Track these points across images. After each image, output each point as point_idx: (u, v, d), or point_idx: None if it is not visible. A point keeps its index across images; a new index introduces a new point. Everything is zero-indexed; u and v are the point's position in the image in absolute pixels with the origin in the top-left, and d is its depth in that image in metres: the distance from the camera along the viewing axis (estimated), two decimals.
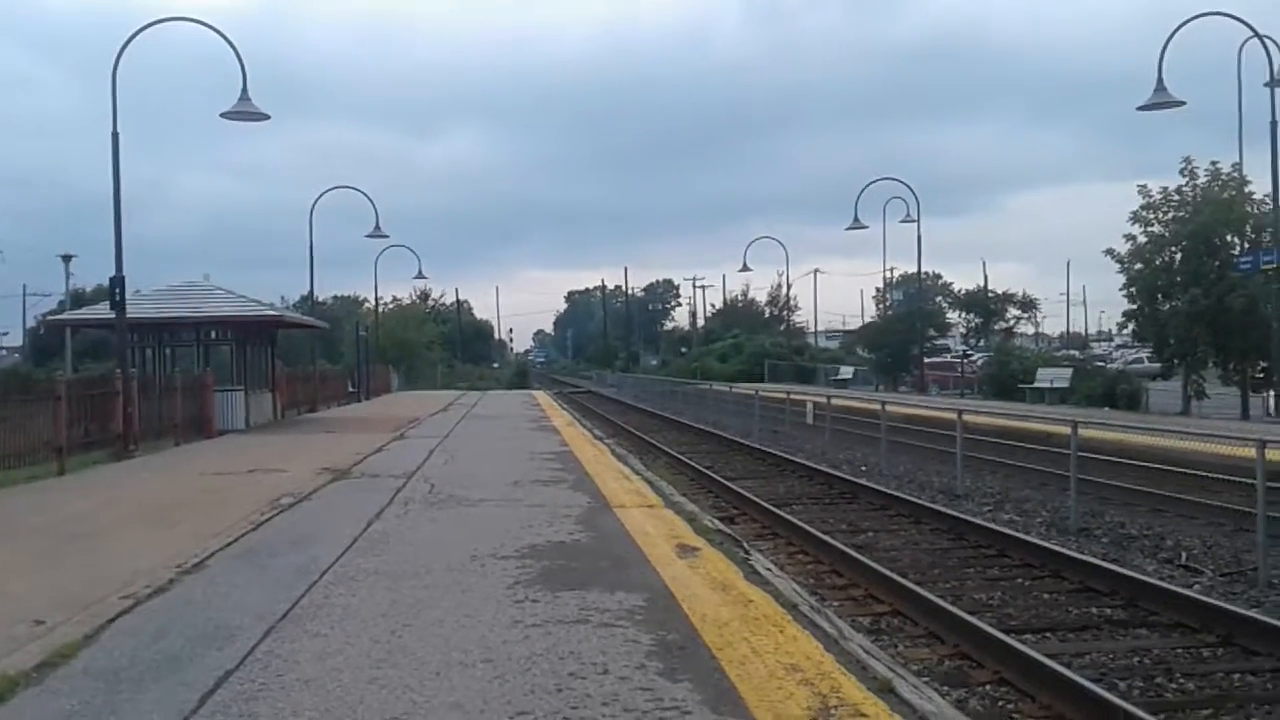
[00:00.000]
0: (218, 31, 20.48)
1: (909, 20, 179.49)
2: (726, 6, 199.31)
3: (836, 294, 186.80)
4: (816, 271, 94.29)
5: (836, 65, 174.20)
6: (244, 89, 20.45)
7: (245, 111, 20.81)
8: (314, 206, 39.96)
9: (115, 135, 18.44)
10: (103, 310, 20.97)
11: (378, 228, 41.71)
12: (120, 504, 11.70)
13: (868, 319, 72.19)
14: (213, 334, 24.99)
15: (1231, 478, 13.60)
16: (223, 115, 20.91)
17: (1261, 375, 28.00)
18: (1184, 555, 11.13)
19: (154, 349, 24.50)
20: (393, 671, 4.85)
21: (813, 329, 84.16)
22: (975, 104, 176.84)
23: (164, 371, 23.51)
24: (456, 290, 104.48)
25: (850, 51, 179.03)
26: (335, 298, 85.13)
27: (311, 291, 44.64)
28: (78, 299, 54.24)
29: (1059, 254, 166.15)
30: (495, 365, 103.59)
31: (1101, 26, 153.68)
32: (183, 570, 7.34)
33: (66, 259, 57.03)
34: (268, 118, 21.25)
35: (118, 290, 18.64)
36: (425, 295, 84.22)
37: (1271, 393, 26.99)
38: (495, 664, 4.95)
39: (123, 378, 17.76)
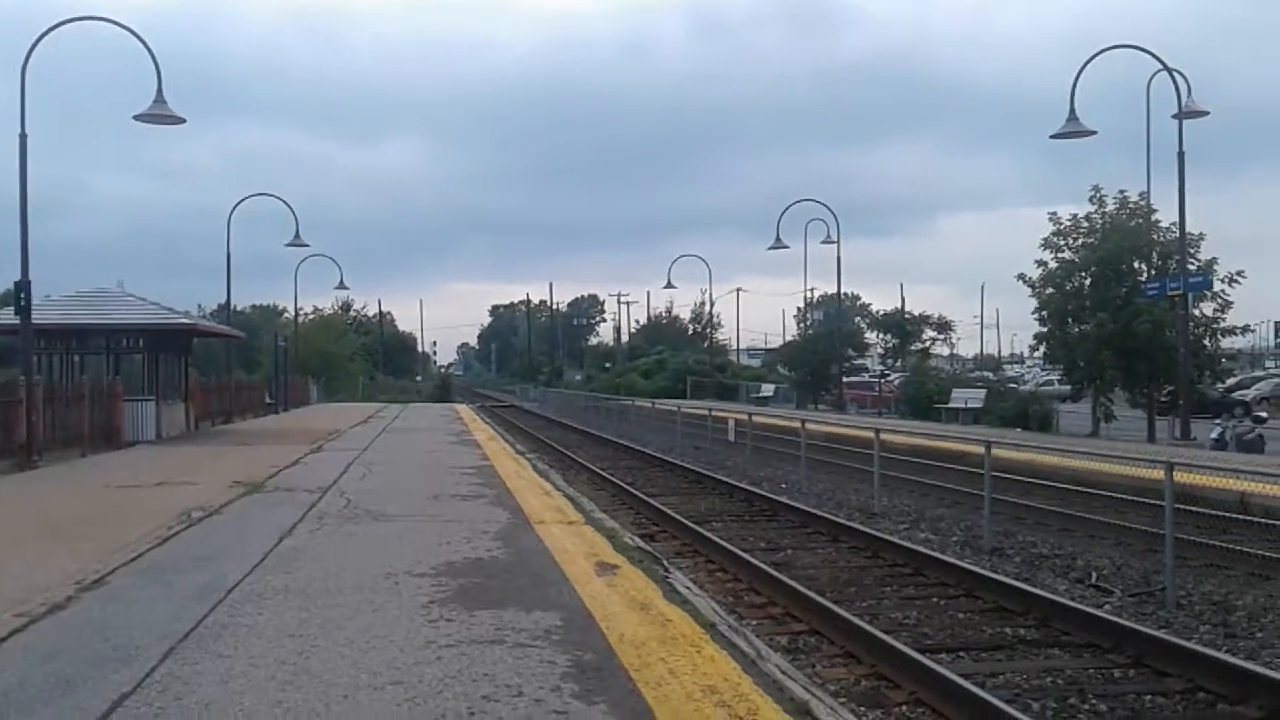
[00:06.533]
0: (132, 32, 20.06)
1: (850, 41, 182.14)
2: (668, 23, 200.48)
3: (759, 312, 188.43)
4: (740, 290, 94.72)
5: (775, 84, 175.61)
6: (159, 91, 20.04)
7: (160, 114, 20.38)
8: (233, 213, 39.36)
9: (23, 136, 17.91)
10: (7, 316, 20.27)
11: (298, 236, 41.22)
12: (20, 517, 11.29)
13: (789, 338, 72.88)
14: (124, 342, 24.31)
15: (1140, 499, 13.94)
16: (136, 118, 20.44)
17: (1167, 399, 28.81)
18: (1094, 575, 11.32)
19: (61, 356, 23.79)
20: (298, 694, 4.69)
21: (735, 347, 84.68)
22: (910, 126, 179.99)
23: (72, 380, 22.80)
24: (379, 301, 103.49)
25: (790, 70, 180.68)
26: (254, 307, 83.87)
27: (228, 300, 43.82)
28: None
29: (981, 277, 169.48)
30: (418, 378, 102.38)
31: (1039, 54, 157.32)
32: (82, 587, 7.07)
33: None
34: (183, 121, 20.84)
35: (23, 295, 18.04)
36: (347, 306, 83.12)
37: (1176, 417, 27.78)
38: (406, 686, 4.82)
39: (26, 386, 17.17)
